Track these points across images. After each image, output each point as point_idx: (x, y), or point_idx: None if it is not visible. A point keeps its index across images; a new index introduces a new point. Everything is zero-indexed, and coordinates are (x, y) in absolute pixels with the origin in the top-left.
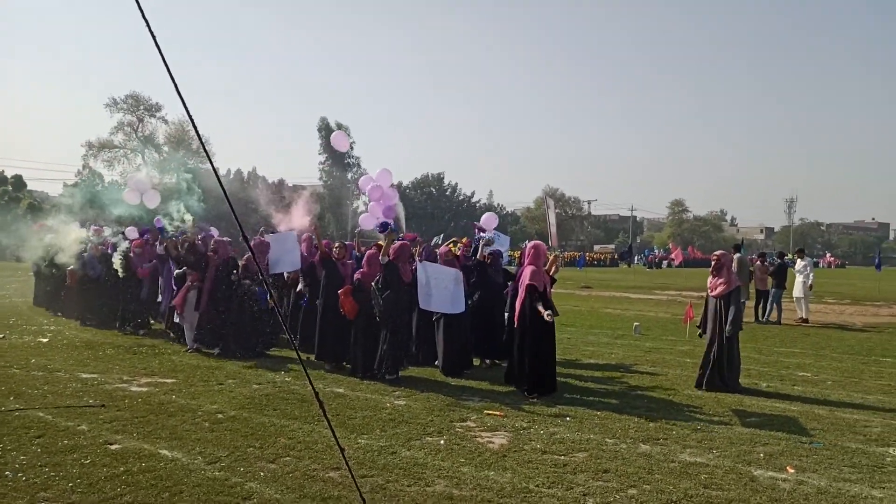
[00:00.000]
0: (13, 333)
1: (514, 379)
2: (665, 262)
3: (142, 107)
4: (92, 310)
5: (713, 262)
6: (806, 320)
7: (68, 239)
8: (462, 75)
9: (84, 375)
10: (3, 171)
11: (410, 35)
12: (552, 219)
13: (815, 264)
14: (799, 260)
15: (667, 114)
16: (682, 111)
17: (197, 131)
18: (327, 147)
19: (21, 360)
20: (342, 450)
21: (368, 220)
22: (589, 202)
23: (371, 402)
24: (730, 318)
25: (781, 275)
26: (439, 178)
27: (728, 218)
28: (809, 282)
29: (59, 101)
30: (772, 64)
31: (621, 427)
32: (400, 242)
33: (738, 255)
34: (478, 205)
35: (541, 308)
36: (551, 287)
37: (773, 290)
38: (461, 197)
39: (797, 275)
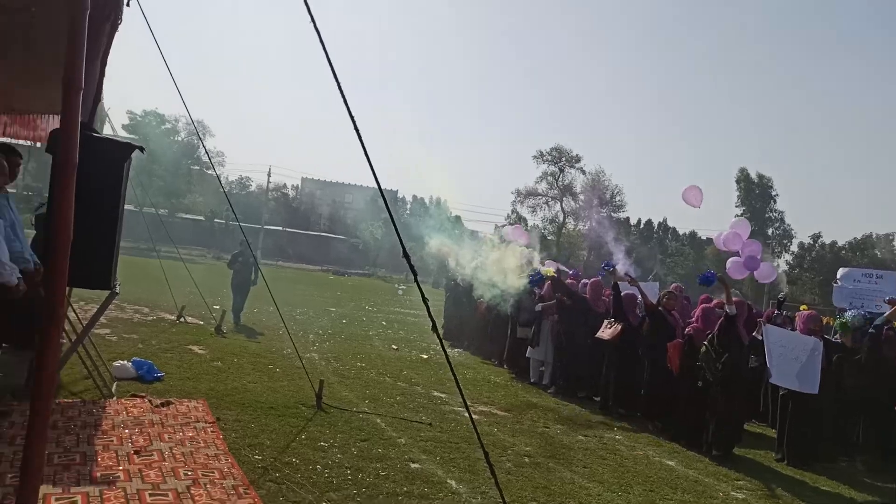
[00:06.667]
0: (405, 348)
1: None
2: None
3: (563, 158)
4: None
5: None
6: None
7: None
8: None
9: (435, 394)
10: (452, 212)
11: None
12: None
13: None
14: None
15: None
16: None
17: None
18: (745, 199)
19: (396, 371)
20: None
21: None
22: None
23: (703, 486)
24: None
25: None
26: None
27: None
28: None
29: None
30: None
31: None
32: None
33: None
34: None
35: None
36: None
37: None
38: None
39: None
